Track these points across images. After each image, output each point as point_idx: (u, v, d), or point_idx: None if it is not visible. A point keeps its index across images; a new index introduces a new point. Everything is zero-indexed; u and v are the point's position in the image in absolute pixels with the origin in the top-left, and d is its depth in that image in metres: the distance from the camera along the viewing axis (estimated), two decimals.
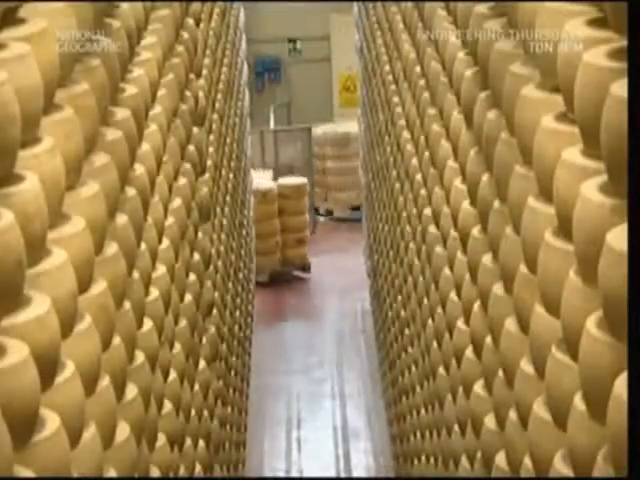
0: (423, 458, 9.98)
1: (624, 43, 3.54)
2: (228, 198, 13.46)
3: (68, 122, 4.68)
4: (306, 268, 21.21)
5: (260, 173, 20.62)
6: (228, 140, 14.12)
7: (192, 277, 8.81)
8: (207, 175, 10.63)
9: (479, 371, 6.43)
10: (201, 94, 10.60)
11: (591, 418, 3.78)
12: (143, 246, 6.37)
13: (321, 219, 22.79)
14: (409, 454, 11.44)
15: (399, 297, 11.86)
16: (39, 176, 4.08)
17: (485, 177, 6.11)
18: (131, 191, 6.08)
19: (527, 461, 4.88)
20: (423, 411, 9.93)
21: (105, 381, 5.04)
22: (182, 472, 7.73)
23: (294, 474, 14.73)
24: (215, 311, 10.72)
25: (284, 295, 21.12)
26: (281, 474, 14.65)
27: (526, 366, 4.99)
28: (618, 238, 3.36)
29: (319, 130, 21.84)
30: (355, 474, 14.47)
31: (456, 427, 7.50)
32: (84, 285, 4.68)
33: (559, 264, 4.23)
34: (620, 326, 3.41)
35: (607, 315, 3.55)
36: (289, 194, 20.28)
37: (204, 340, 9.58)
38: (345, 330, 16.23)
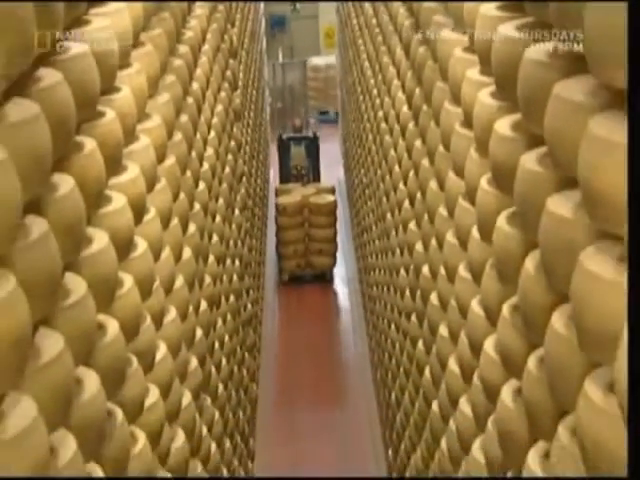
0: (377, 271, 10.06)
1: None
2: (252, 106, 13.43)
3: (149, 54, 4.67)
4: (326, 277, 13.93)
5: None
6: (252, 69, 14.06)
7: (230, 156, 8.84)
8: (239, 91, 10.61)
9: (413, 214, 6.49)
10: (234, 38, 10.55)
11: (482, 240, 3.83)
12: (198, 135, 6.39)
13: (312, 119, 22.33)
14: (367, 268, 11.53)
15: (362, 170, 11.89)
16: (130, 88, 4.08)
17: (417, 90, 6.10)
18: (190, 99, 6.09)
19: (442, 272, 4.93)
20: (377, 241, 10.00)
21: (175, 221, 5.09)
22: (225, 280, 7.82)
23: None
24: (244, 179, 10.75)
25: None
26: None
27: (443, 211, 5.03)
28: (502, 125, 3.37)
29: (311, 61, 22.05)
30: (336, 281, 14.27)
31: (397, 250, 7.58)
32: (160, 158, 4.70)
33: (464, 145, 4.24)
34: (502, 182, 3.43)
35: (494, 176, 3.57)
36: (319, 209, 13.68)
37: (238, 197, 9.62)
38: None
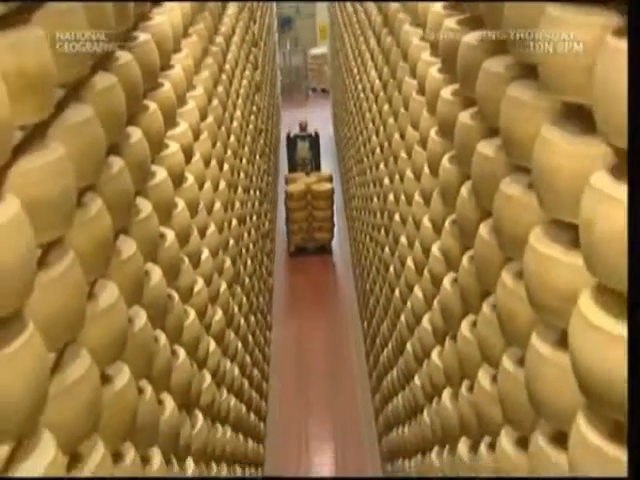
0: (357, 199, 10.00)
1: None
2: (268, 81, 13.23)
3: (194, 42, 4.60)
4: (326, 248, 12.19)
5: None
6: (268, 54, 13.81)
7: (252, 117, 8.73)
8: (258, 70, 10.47)
9: (382, 157, 6.45)
10: (256, 32, 10.38)
11: (431, 175, 3.80)
12: (229, 101, 6.33)
13: (310, 91, 21.96)
14: (350, 197, 11.46)
15: (346, 127, 11.74)
16: (181, 66, 4.03)
17: (385, 69, 5.99)
18: (224, 76, 6.01)
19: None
20: (357, 178, 9.94)
21: (213, 162, 5.06)
22: (249, 205, 7.78)
23: None
24: (262, 133, 10.64)
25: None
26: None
27: (404, 155, 4.99)
28: (446, 92, 3.32)
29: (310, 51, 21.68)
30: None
31: (371, 184, 7.55)
32: (203, 117, 4.65)
33: (419, 107, 4.19)
34: (445, 133, 3.37)
35: (440, 128, 3.50)
36: (319, 195, 12.16)
37: (258, 146, 9.54)
38: (322, 141, 14.95)
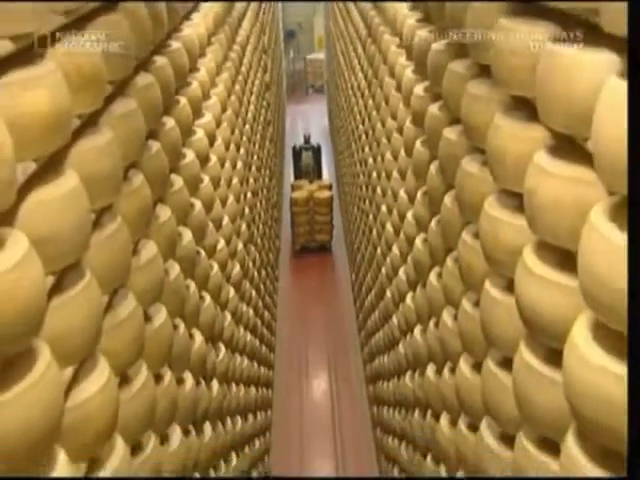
0: (347, 176, 9.95)
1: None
2: (275, 81, 13.06)
3: (216, 49, 4.52)
4: (327, 247, 11.09)
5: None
6: (275, 60, 13.64)
7: (263, 110, 8.64)
8: (268, 73, 10.34)
9: (367, 142, 6.39)
10: (266, 42, 10.24)
11: (406, 156, 3.79)
12: (245, 97, 6.26)
13: (310, 90, 21.68)
14: (342, 175, 11.39)
15: (337, 118, 11.66)
16: (205, 69, 3.97)
17: (370, 71, 5.91)
18: (240, 77, 5.91)
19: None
20: (347, 159, 9.88)
21: (232, 146, 4.99)
22: (261, 181, 7.72)
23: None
24: (271, 123, 10.54)
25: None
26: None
27: (384, 140, 4.95)
28: (418, 89, 3.27)
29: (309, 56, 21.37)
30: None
31: (358, 164, 7.52)
32: (223, 109, 4.59)
33: (397, 101, 4.14)
34: (418, 122, 3.35)
35: (414, 118, 3.47)
36: (320, 202, 11.07)
37: (268, 133, 9.44)
38: (317, 129, 14.44)
